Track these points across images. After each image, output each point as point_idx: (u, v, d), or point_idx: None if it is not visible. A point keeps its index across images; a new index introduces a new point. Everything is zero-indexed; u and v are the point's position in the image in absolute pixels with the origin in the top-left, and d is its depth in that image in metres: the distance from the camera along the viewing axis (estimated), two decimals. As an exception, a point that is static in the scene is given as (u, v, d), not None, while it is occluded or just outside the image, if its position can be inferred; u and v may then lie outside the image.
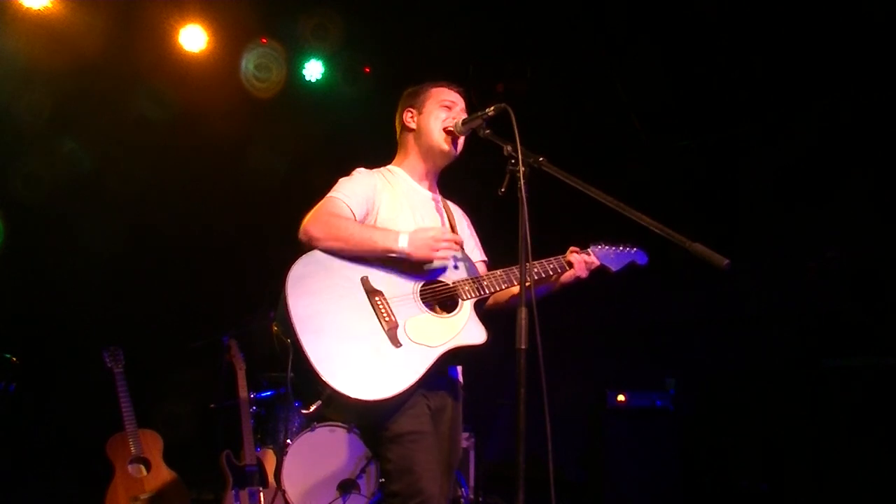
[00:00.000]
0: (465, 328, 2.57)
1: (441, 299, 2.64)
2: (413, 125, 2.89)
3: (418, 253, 2.57)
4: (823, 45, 4.88)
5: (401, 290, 2.59)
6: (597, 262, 2.80)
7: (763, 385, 5.34)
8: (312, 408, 4.83)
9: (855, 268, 5.12)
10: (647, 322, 5.98)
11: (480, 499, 5.11)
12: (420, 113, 2.88)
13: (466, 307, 2.61)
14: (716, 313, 5.70)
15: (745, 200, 5.59)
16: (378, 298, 2.54)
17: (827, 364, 4.86)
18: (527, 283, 2.48)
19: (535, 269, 2.73)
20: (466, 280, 2.67)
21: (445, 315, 2.60)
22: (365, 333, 2.47)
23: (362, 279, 2.56)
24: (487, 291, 2.66)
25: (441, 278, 2.65)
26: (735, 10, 4.95)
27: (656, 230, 2.27)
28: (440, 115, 2.85)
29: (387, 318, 2.51)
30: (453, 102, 2.88)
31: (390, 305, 2.54)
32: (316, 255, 2.57)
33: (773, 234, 5.46)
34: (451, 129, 2.80)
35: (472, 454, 5.22)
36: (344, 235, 2.57)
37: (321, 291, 2.51)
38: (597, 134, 5.93)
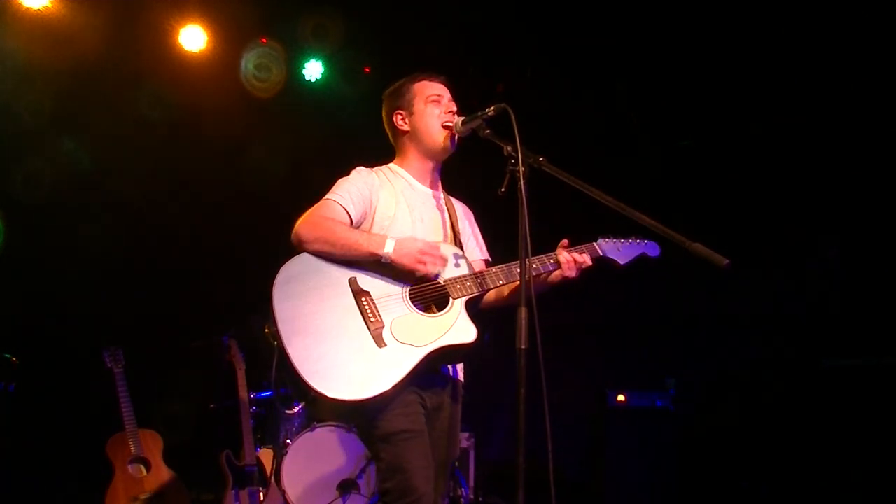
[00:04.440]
0: (453, 327, 2.54)
1: (432, 298, 2.62)
2: (406, 127, 2.84)
3: (402, 261, 2.55)
4: (822, 45, 4.88)
5: (389, 291, 2.58)
6: (588, 262, 2.71)
7: (763, 385, 5.35)
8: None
9: (855, 268, 5.12)
10: (647, 322, 5.98)
11: (480, 499, 5.11)
12: (411, 114, 2.83)
13: (457, 306, 2.58)
14: (716, 313, 5.69)
15: (745, 200, 5.59)
16: (365, 299, 2.53)
17: (827, 364, 4.86)
18: (505, 284, 2.55)
19: (509, 271, 2.67)
20: (458, 278, 2.63)
21: (434, 314, 2.58)
22: (349, 334, 2.47)
23: (350, 280, 2.56)
24: (479, 289, 2.63)
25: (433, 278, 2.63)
26: (735, 10, 4.95)
27: (656, 230, 2.27)
28: (433, 111, 2.81)
29: (372, 319, 2.50)
30: (440, 96, 2.84)
31: (377, 306, 2.53)
32: (304, 258, 2.58)
33: (773, 234, 5.46)
34: (451, 125, 2.77)
35: (472, 454, 5.22)
36: (331, 238, 2.56)
37: (307, 293, 2.51)
38: (597, 134, 5.92)
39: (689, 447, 5.31)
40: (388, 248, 2.54)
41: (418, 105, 2.83)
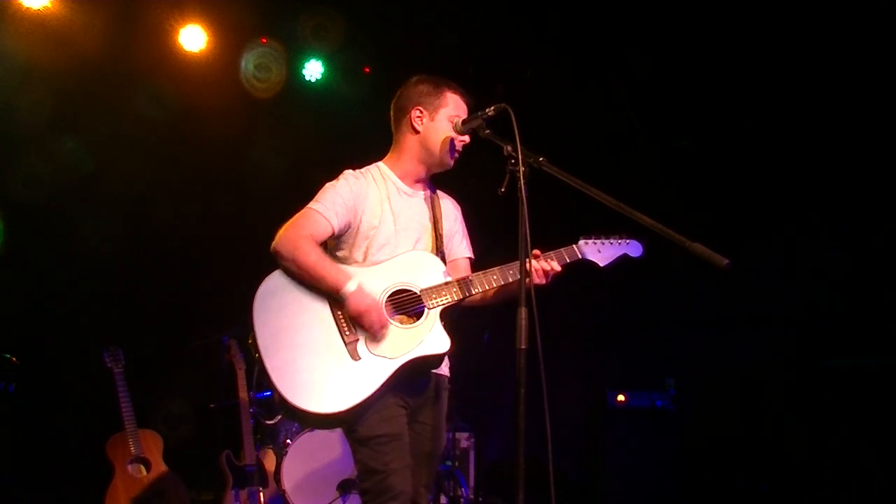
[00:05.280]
0: (427, 338, 2.56)
1: (409, 308, 2.62)
2: (420, 128, 2.78)
3: (352, 310, 2.51)
4: (821, 44, 4.88)
5: None
6: (558, 268, 2.69)
7: (763, 385, 5.35)
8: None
9: (855, 268, 5.12)
10: (646, 322, 5.98)
11: (480, 499, 5.11)
12: (432, 119, 2.77)
13: (432, 316, 2.60)
14: (716, 313, 5.69)
15: (745, 200, 5.59)
16: (341, 312, 2.55)
17: (827, 364, 4.86)
18: (494, 287, 2.58)
19: (494, 276, 2.68)
20: (434, 288, 2.63)
21: (409, 325, 2.59)
22: (324, 347, 2.51)
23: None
24: (454, 298, 2.63)
25: (410, 287, 2.63)
26: (733, 10, 4.95)
27: (656, 230, 2.27)
28: (449, 132, 2.75)
29: (347, 332, 2.53)
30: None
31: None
32: (282, 272, 2.60)
33: (774, 234, 5.46)
34: (454, 138, 2.76)
35: (472, 454, 5.21)
36: (300, 262, 2.55)
37: (285, 307, 2.55)
38: (597, 134, 5.92)
39: (688, 447, 5.30)
40: (350, 288, 2.51)
41: (441, 116, 2.77)
